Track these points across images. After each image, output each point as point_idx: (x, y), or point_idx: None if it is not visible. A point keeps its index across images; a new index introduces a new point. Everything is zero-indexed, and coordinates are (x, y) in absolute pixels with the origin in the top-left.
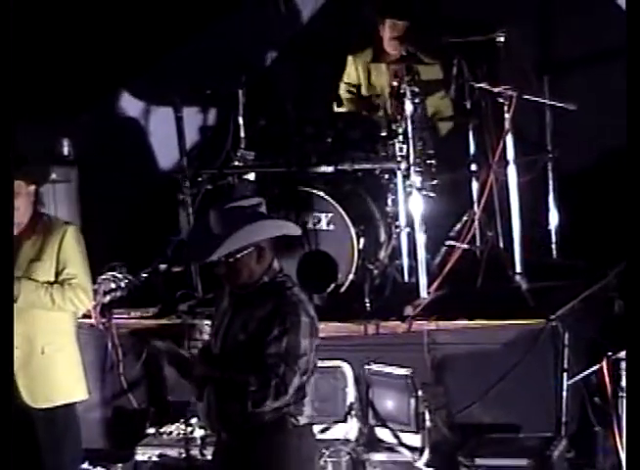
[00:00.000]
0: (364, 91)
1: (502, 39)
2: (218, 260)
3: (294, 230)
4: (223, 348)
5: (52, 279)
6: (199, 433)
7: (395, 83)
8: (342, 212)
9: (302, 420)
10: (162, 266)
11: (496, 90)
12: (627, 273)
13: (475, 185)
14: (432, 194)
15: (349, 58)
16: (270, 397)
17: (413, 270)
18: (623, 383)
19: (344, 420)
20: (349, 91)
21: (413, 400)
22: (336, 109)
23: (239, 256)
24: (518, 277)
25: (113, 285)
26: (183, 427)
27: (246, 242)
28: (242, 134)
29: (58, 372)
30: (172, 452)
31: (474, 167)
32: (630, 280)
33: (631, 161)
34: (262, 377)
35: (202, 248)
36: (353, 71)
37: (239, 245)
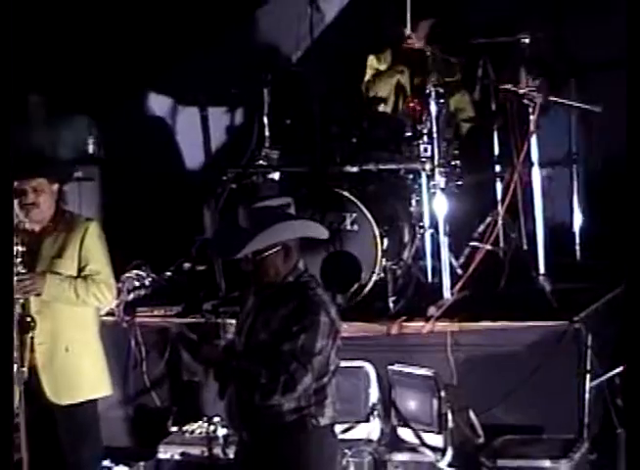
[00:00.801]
0: (387, 91)
1: (527, 40)
2: (245, 258)
3: (321, 232)
4: (246, 346)
5: (74, 276)
6: (221, 432)
7: (418, 83)
8: (367, 213)
9: (323, 421)
10: (186, 265)
11: (521, 91)
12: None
13: (499, 186)
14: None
15: (372, 57)
16: (278, 391)
17: (436, 271)
18: None
19: (367, 420)
20: (372, 90)
21: (436, 401)
22: (360, 109)
23: (266, 254)
24: (541, 279)
25: (136, 283)
26: (206, 425)
27: (274, 240)
28: (267, 133)
29: (81, 369)
30: (195, 451)
31: (498, 168)
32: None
33: (632, 162)
34: (273, 371)
35: (230, 244)
36: (376, 71)
37: (267, 242)
